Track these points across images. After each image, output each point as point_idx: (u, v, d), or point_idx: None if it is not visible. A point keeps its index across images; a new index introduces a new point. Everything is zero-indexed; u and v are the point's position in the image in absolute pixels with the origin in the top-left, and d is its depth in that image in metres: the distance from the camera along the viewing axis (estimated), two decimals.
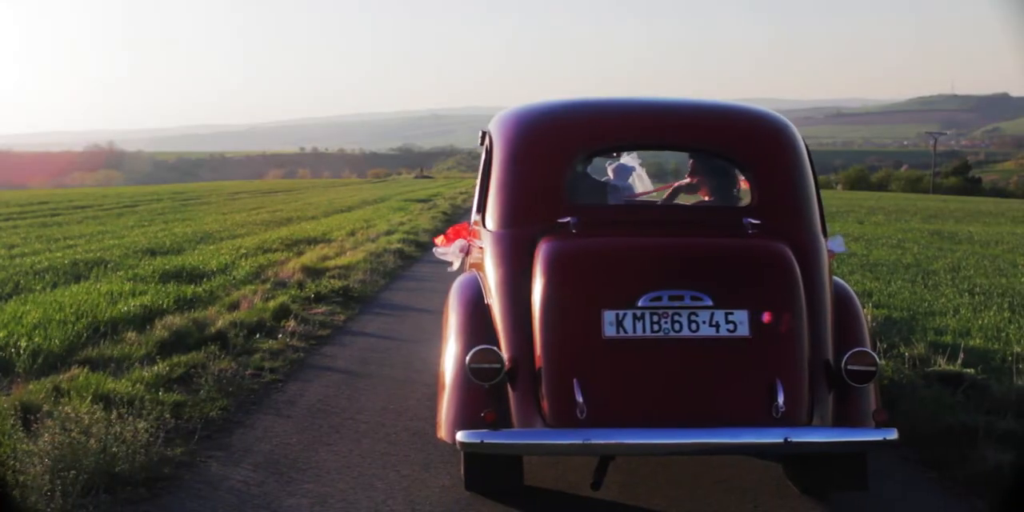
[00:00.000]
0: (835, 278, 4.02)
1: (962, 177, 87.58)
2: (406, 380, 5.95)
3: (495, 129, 4.50)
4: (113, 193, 48.32)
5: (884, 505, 3.91)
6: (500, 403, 3.47)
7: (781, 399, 3.37)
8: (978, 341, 7.45)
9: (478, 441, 3.38)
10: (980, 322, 8.41)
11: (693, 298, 3.48)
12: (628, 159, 5.51)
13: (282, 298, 8.38)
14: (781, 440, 3.30)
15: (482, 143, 4.72)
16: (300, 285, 9.59)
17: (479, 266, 4.16)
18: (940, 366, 5.83)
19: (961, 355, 5.98)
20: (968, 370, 5.67)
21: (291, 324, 7.43)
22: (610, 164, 5.50)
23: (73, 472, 3.68)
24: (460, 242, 4.96)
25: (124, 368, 5.72)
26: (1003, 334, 7.82)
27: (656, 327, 3.45)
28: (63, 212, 28.02)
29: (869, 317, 7.59)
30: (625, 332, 3.44)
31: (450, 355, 3.70)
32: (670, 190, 5.25)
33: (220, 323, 7.08)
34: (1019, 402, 5.06)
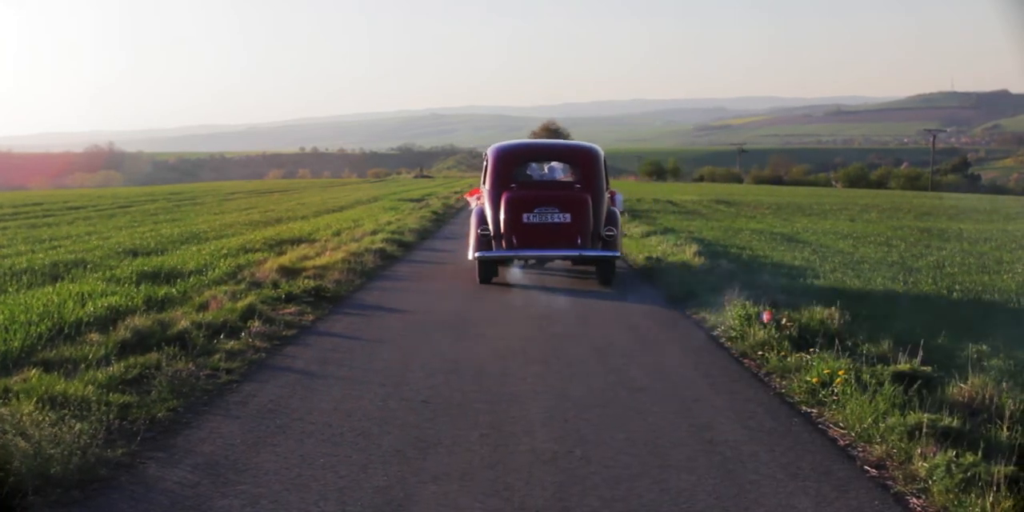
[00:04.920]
0: (612, 208, 10.90)
1: (961, 174, 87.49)
2: (363, 380, 5.92)
3: (488, 153, 11.22)
4: (109, 194, 48.33)
5: (824, 504, 3.89)
6: (488, 245, 10.35)
7: (579, 241, 10.21)
8: (949, 339, 7.42)
9: (482, 255, 10.35)
10: (954, 319, 8.37)
11: (552, 210, 10.33)
12: (555, 164, 13.26)
13: (251, 298, 8.35)
14: (578, 253, 10.27)
15: (483, 158, 11.46)
16: (275, 285, 9.57)
17: (482, 203, 10.80)
18: (901, 364, 5.78)
19: (921, 353, 5.94)
20: (925, 368, 5.64)
21: (256, 324, 7.40)
22: (547, 165, 13.40)
23: (1, 473, 3.66)
24: (476, 196, 11.81)
25: (80, 369, 5.69)
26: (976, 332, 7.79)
27: (541, 219, 10.30)
28: (56, 213, 28.02)
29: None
30: (530, 221, 10.29)
31: (472, 231, 10.46)
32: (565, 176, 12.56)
33: (184, 324, 7.05)
34: (971, 400, 5.04)
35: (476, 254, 10.34)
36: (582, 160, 11.07)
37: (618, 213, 11.03)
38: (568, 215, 10.22)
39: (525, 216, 10.24)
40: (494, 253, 10.29)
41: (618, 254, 10.54)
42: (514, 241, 10.18)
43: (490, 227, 10.36)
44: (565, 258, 10.77)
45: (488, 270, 10.58)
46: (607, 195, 10.87)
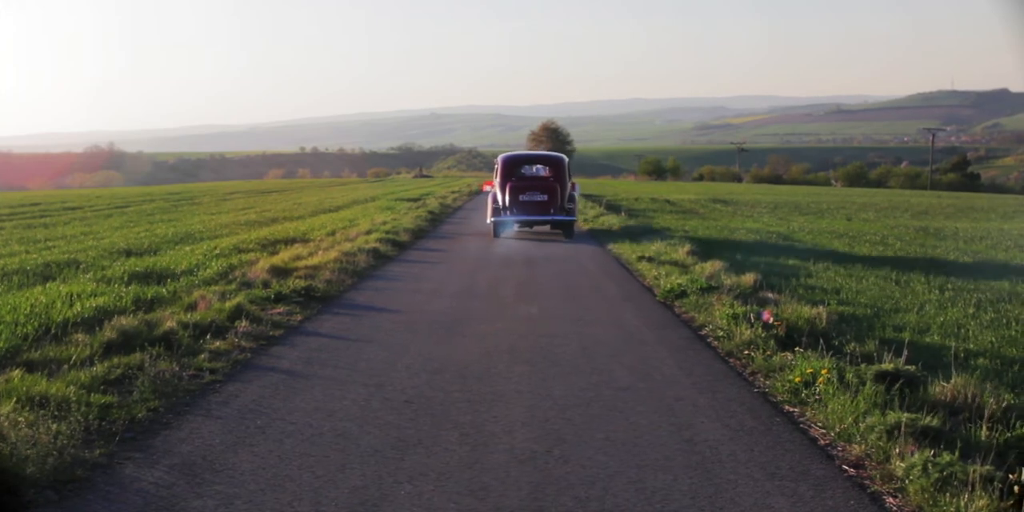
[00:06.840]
0: (572, 192, 18.87)
1: (960, 173, 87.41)
2: (346, 380, 5.91)
3: (498, 159, 19.34)
4: (107, 194, 48.29)
5: (800, 504, 3.88)
6: (498, 213, 18.26)
7: (552, 211, 18.10)
8: (936, 337, 7.42)
9: (496, 220, 18.28)
10: (942, 318, 8.37)
11: (536, 193, 18.23)
12: (539, 165, 20.69)
13: (240, 298, 8.33)
14: (551, 218, 18.19)
15: (493, 163, 19.87)
16: (265, 285, 9.56)
17: (495, 190, 18.72)
18: (885, 364, 5.76)
19: (906, 352, 5.93)
20: (909, 367, 5.62)
21: (244, 324, 7.39)
22: (534, 167, 20.81)
23: None
24: (491, 186, 19.17)
25: (64, 370, 5.68)
26: (962, 330, 7.79)
27: (529, 198, 18.21)
28: (53, 213, 27.99)
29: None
30: (523, 199, 18.20)
31: (489, 206, 18.63)
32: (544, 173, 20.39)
33: (171, 324, 7.03)
34: (953, 399, 5.03)
35: (492, 219, 18.14)
36: (555, 164, 19.36)
37: (576, 195, 19.18)
38: (546, 196, 18.06)
39: (520, 196, 18.07)
40: (502, 218, 18.09)
41: (575, 219, 18.58)
42: (514, 211, 18.03)
43: (499, 203, 18.13)
44: (543, 222, 18.34)
45: (498, 229, 18.28)
46: (570, 184, 18.73)
